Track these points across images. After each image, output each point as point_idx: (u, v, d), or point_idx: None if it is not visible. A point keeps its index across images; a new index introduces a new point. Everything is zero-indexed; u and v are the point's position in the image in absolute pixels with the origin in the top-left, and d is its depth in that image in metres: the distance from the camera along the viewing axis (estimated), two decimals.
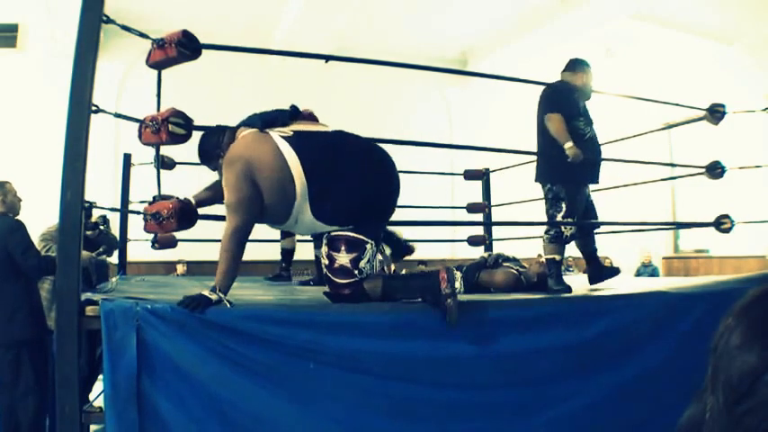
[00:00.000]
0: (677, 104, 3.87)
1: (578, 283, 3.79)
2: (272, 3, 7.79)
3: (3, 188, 3.40)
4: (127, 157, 4.99)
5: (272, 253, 4.81)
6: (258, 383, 2.10)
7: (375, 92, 9.13)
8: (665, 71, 8.60)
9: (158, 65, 2.36)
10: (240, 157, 2.27)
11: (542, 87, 3.48)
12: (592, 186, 3.59)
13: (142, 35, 2.32)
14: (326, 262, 2.37)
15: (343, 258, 2.29)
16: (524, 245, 4.93)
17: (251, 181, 2.24)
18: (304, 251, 4.36)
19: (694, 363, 0.52)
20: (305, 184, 2.26)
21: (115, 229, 5.00)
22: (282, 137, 2.35)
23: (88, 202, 2.05)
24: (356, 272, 2.29)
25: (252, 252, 2.52)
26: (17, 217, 3.41)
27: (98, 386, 2.43)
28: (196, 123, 2.27)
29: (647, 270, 9.41)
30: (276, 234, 4.25)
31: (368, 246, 2.32)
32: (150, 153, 3.08)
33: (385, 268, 3.89)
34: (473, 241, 5.19)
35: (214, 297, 2.09)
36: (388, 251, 3.82)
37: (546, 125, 3.34)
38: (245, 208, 2.23)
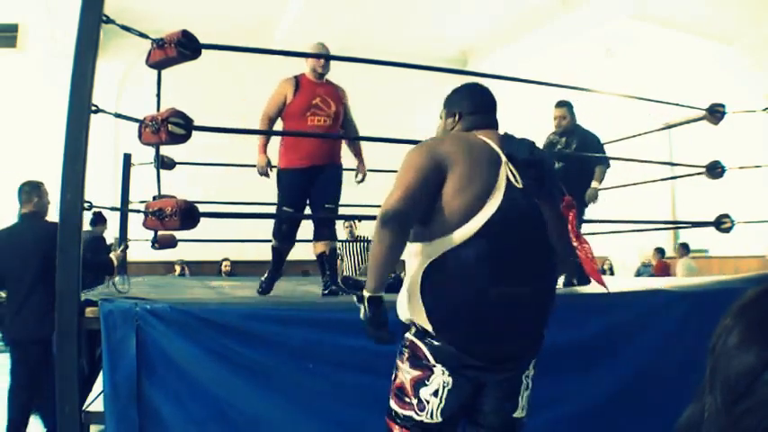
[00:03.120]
0: (677, 104, 3.86)
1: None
2: (272, 3, 7.80)
3: (39, 189, 3.38)
4: (127, 157, 5.00)
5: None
6: (258, 383, 2.10)
7: (375, 92, 9.12)
8: (665, 71, 8.59)
9: (158, 65, 2.36)
10: None
11: (539, 87, 3.50)
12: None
13: (142, 35, 2.32)
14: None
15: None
16: None
17: None
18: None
19: (693, 362, 0.52)
20: None
21: (115, 229, 5.01)
22: None
23: (88, 201, 2.05)
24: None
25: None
26: (46, 218, 3.39)
27: (98, 386, 2.43)
28: (196, 123, 2.26)
29: (647, 270, 9.40)
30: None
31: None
32: (150, 153, 3.08)
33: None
34: None
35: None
36: None
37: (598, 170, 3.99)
38: None
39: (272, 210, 3.61)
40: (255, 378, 2.08)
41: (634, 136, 4.71)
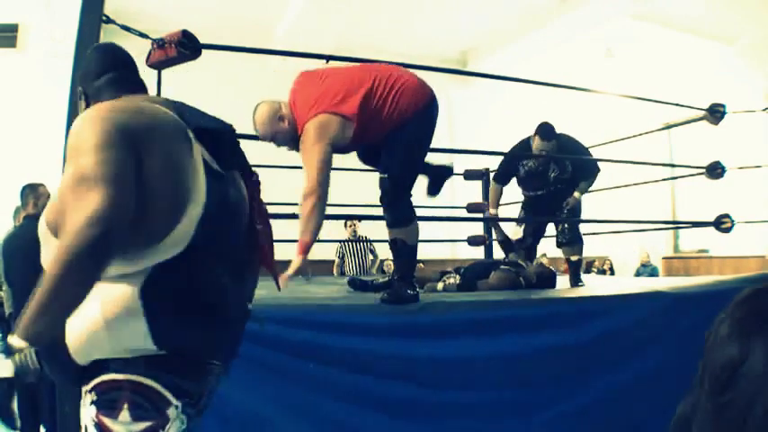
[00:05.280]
0: (677, 104, 3.87)
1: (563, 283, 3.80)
2: (272, 3, 7.79)
3: (36, 191, 3.38)
4: None
5: None
6: (258, 383, 2.10)
7: None
8: (665, 71, 8.59)
9: (158, 65, 2.36)
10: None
11: (539, 87, 3.52)
12: (591, 186, 3.95)
13: (142, 35, 2.33)
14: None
15: None
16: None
17: None
18: None
19: (693, 363, 0.52)
20: None
21: None
22: None
23: None
24: None
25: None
26: None
27: None
28: None
29: (646, 270, 9.40)
30: None
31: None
32: None
33: None
34: (473, 241, 5.19)
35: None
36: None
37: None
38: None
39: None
40: (255, 378, 2.08)
41: (634, 136, 4.71)
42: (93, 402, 1.14)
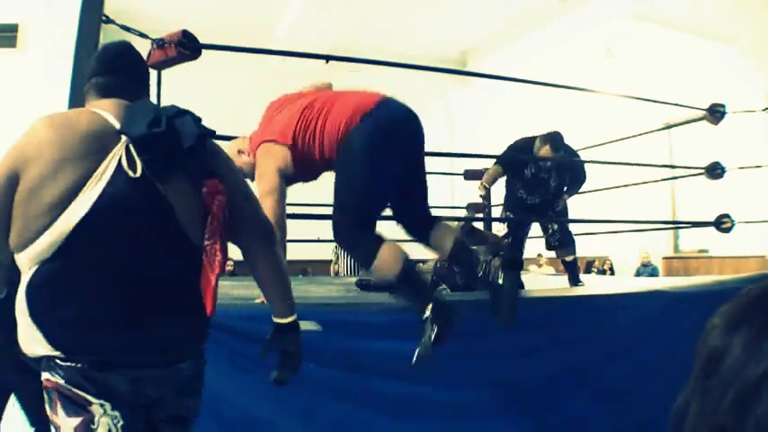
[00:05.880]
0: (677, 104, 3.86)
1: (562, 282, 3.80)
2: (272, 3, 7.79)
3: None
4: None
5: None
6: (257, 383, 2.09)
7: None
8: (665, 71, 8.59)
9: (158, 65, 2.36)
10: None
11: (540, 87, 3.51)
12: (591, 186, 3.97)
13: (142, 35, 2.32)
14: None
15: None
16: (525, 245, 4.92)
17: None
18: None
19: (692, 363, 0.53)
20: None
21: None
22: None
23: None
24: None
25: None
26: None
27: None
28: None
29: (646, 270, 9.40)
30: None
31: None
32: None
33: None
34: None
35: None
36: None
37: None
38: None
39: None
40: (255, 378, 2.08)
41: (634, 136, 4.71)
42: (46, 398, 1.22)
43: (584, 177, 3.91)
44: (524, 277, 4.18)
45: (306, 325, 1.58)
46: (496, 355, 2.39)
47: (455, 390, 2.31)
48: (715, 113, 3.75)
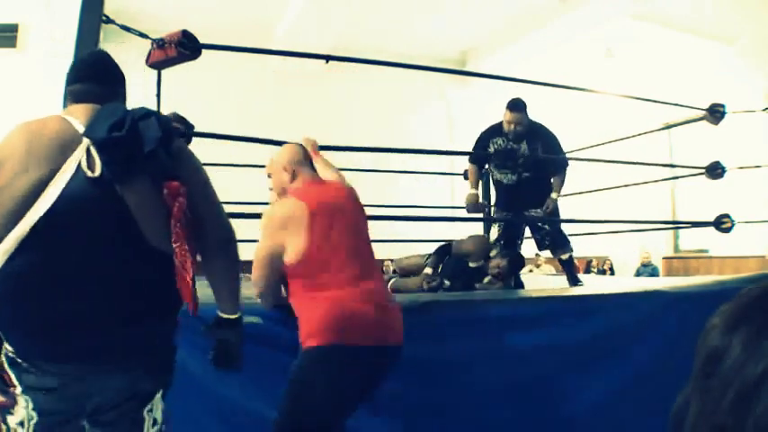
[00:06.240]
0: (677, 104, 3.86)
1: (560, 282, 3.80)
2: (272, 3, 7.79)
3: None
4: None
5: None
6: (257, 382, 2.10)
7: (375, 92, 9.13)
8: (665, 71, 8.60)
9: (158, 65, 2.36)
10: None
11: (541, 87, 3.50)
12: (592, 186, 4.02)
13: (142, 35, 2.32)
14: None
15: None
16: (525, 245, 4.93)
17: None
18: None
19: (692, 363, 0.53)
20: None
21: None
22: None
23: None
24: None
25: None
26: None
27: None
28: (197, 124, 2.26)
29: (646, 270, 9.41)
30: None
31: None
32: None
33: None
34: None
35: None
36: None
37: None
38: None
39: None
40: (255, 377, 2.08)
41: (634, 136, 4.71)
42: None
43: (565, 162, 3.82)
44: (524, 277, 4.19)
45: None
46: (496, 356, 2.39)
47: (453, 390, 2.31)
48: (715, 113, 3.75)
